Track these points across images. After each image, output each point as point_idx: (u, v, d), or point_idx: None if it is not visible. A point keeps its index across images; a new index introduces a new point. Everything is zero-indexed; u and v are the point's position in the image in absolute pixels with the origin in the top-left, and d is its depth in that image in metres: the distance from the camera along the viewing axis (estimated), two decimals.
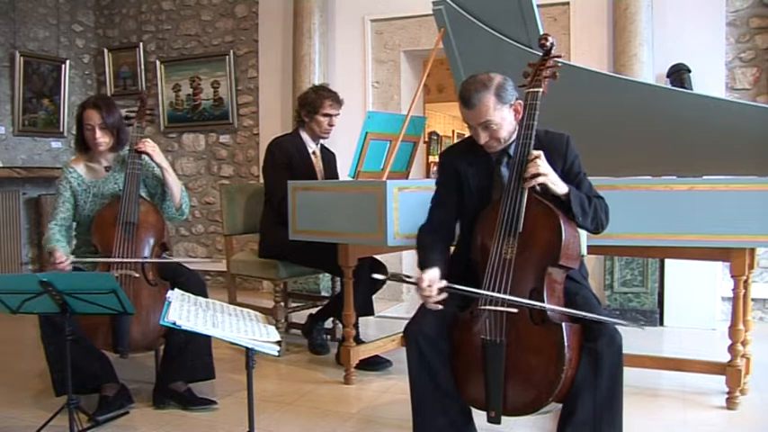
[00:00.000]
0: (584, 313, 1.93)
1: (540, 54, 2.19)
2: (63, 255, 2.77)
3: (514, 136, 2.17)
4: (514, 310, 1.94)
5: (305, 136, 3.72)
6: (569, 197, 2.01)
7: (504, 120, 2.09)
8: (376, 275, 2.12)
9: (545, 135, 2.13)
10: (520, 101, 2.13)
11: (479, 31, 3.23)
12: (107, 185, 3.00)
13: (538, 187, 2.01)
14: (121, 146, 3.02)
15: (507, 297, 1.95)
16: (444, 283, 2.01)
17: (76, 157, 3.11)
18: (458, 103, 2.14)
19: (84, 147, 3.00)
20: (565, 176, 2.08)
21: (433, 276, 2.03)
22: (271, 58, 5.55)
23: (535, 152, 2.02)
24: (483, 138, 2.11)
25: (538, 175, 1.98)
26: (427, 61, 3.37)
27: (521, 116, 2.13)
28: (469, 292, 1.98)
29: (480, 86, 2.07)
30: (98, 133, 2.90)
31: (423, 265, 2.12)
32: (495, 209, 2.07)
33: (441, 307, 2.01)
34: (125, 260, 2.80)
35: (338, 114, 3.70)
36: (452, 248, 2.36)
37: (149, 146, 2.94)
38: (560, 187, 2.02)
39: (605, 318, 1.95)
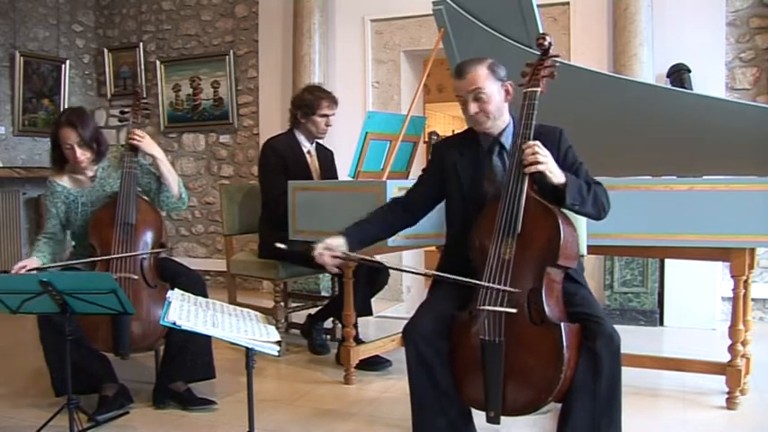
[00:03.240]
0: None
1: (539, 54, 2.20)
2: (21, 263, 2.75)
3: (505, 123, 2.19)
4: (513, 310, 1.94)
5: (300, 136, 3.71)
6: (566, 186, 2.01)
7: (494, 94, 2.14)
8: (278, 244, 2.25)
9: (538, 128, 2.11)
10: (511, 82, 2.17)
11: (479, 31, 3.23)
12: (95, 194, 2.95)
13: (539, 167, 2.00)
14: (101, 156, 2.94)
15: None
16: (340, 252, 2.16)
17: (57, 171, 2.98)
18: (452, 83, 2.20)
19: (62, 163, 2.92)
20: (561, 167, 2.08)
21: (330, 242, 2.18)
22: (271, 58, 5.55)
23: (532, 142, 2.02)
24: (472, 108, 2.13)
25: (537, 162, 1.98)
26: (427, 61, 3.37)
27: (510, 98, 2.16)
28: (365, 261, 2.14)
29: (474, 60, 2.17)
30: (78, 151, 2.82)
31: (347, 227, 2.26)
32: (493, 209, 2.06)
33: (336, 270, 2.22)
34: (116, 256, 2.78)
35: (334, 114, 3.69)
36: (443, 246, 2.40)
37: (138, 136, 2.90)
38: (557, 176, 2.02)
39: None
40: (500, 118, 2.18)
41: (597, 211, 2.13)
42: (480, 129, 2.19)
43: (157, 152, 2.95)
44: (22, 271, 2.71)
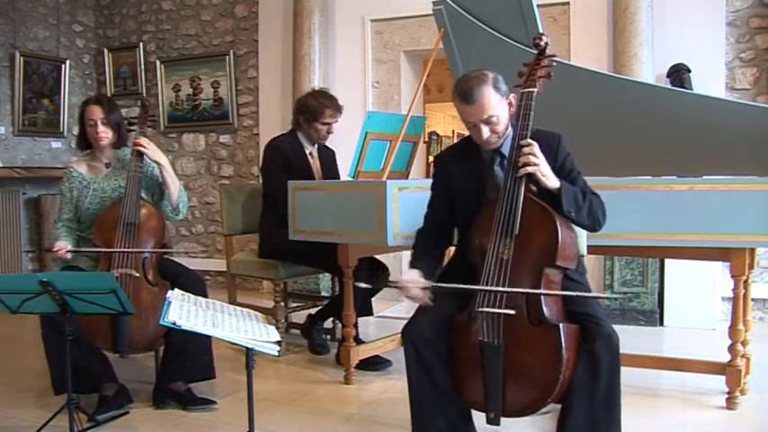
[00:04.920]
0: (577, 293, 1.98)
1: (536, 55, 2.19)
2: (62, 244, 2.83)
3: (508, 133, 2.18)
4: (512, 312, 1.94)
5: (301, 138, 3.71)
6: (561, 191, 2.01)
7: (502, 114, 2.11)
8: (359, 284, 2.13)
9: (536, 133, 2.10)
10: (513, 94, 2.15)
11: (479, 31, 3.23)
12: (107, 182, 3.02)
13: (529, 169, 2.00)
14: (122, 143, 3.06)
15: (500, 289, 1.95)
16: (426, 282, 2.07)
17: (78, 158, 3.14)
18: (455, 103, 2.13)
19: (86, 144, 3.04)
20: (557, 175, 2.07)
21: (411, 277, 2.10)
22: (271, 58, 5.55)
23: (529, 140, 2.02)
24: (485, 133, 2.10)
25: (528, 164, 1.98)
26: (427, 61, 3.37)
27: (513, 110, 2.14)
28: (458, 288, 2.00)
29: (478, 81, 2.08)
30: (100, 128, 2.94)
31: (413, 262, 2.22)
32: (491, 209, 2.06)
33: (431, 303, 2.08)
34: (123, 250, 2.82)
35: (337, 121, 3.68)
36: (452, 251, 2.38)
37: (144, 143, 2.95)
38: (552, 180, 2.02)
39: (595, 295, 1.98)
40: (507, 132, 2.17)
41: (592, 223, 2.12)
42: (490, 148, 2.18)
43: (162, 160, 3.00)
44: (63, 251, 2.80)
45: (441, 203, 2.32)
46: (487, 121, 2.09)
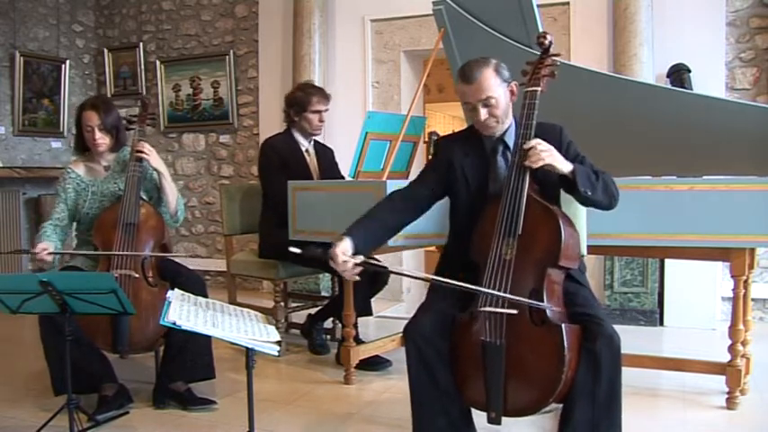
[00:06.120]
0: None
1: (540, 53, 2.19)
2: (43, 245, 2.76)
3: (509, 123, 2.18)
4: (514, 312, 1.94)
5: (297, 135, 3.71)
6: (575, 174, 2.01)
7: (501, 98, 2.11)
8: (292, 248, 2.11)
9: (537, 127, 2.11)
10: (515, 82, 2.16)
11: (479, 31, 3.23)
12: (106, 185, 3.01)
13: (541, 163, 1.99)
14: (120, 146, 3.04)
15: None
16: (360, 258, 2.03)
17: (76, 158, 3.13)
18: (457, 86, 2.15)
19: (84, 147, 3.03)
20: None
21: (344, 248, 2.04)
22: (271, 58, 5.55)
23: (532, 141, 2.02)
24: (483, 115, 2.11)
25: (541, 159, 1.98)
26: (427, 61, 3.37)
27: (515, 98, 2.15)
28: (380, 267, 2.08)
29: (480, 63, 2.12)
30: (97, 134, 2.92)
31: (350, 226, 2.14)
32: (494, 208, 2.06)
33: (357, 278, 2.08)
34: (119, 253, 2.80)
35: (327, 110, 3.69)
36: (443, 246, 2.38)
37: (146, 149, 2.95)
38: (565, 165, 2.02)
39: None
40: (506, 120, 2.18)
41: (608, 200, 2.11)
42: (488, 133, 2.18)
43: (162, 168, 3.00)
44: (44, 253, 2.72)
45: (432, 179, 2.27)
46: (486, 103, 2.10)
